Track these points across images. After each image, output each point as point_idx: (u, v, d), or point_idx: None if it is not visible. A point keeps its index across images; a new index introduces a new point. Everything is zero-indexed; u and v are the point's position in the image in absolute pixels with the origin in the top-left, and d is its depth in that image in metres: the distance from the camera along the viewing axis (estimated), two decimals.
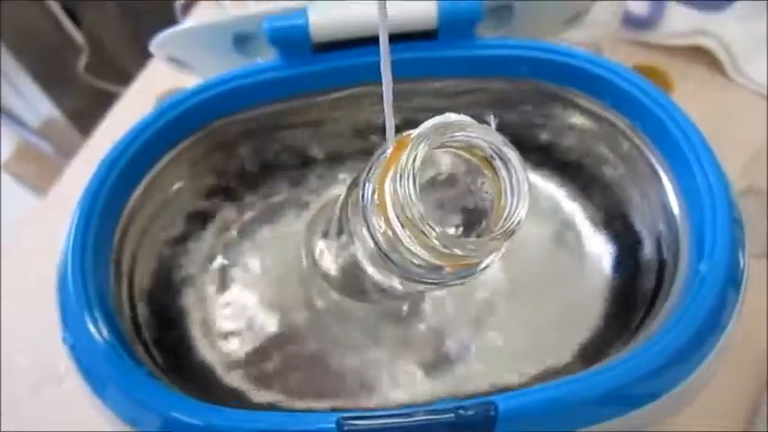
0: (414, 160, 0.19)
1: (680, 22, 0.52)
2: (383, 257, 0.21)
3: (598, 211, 0.32)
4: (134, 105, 0.55)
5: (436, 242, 0.19)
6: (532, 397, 0.23)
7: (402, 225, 0.20)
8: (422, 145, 0.19)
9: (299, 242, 0.32)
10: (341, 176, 0.34)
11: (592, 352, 0.29)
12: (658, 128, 0.28)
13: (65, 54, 0.92)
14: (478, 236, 0.22)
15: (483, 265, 0.21)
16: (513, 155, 0.20)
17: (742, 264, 0.26)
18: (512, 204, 0.20)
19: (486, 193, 0.22)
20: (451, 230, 0.23)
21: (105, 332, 0.25)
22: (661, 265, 0.29)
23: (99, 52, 0.93)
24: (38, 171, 1.14)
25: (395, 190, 0.19)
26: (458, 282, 0.22)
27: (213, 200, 0.33)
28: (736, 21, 0.51)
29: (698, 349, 0.24)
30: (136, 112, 0.51)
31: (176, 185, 0.31)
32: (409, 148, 0.19)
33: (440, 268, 0.21)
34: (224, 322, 0.31)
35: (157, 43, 0.34)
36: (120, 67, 0.97)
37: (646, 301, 0.28)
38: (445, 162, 0.23)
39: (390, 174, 0.20)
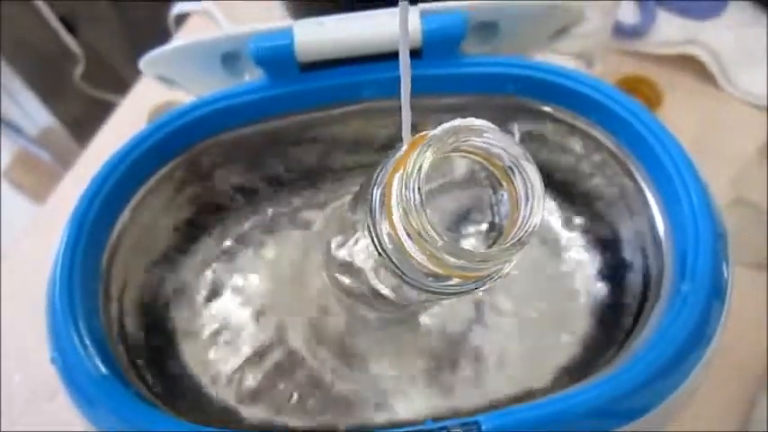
0: (419, 166, 0.19)
1: (670, 32, 0.52)
2: (389, 263, 0.21)
3: (586, 226, 0.32)
4: (129, 116, 0.56)
5: (442, 252, 0.19)
6: (516, 416, 0.23)
7: (407, 233, 0.19)
8: (430, 149, 0.19)
9: (287, 257, 0.32)
10: (330, 194, 0.34)
11: (579, 368, 0.29)
12: (641, 144, 0.29)
13: (61, 63, 0.92)
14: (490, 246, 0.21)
15: (499, 274, 0.21)
16: (532, 170, 0.20)
17: (726, 276, 0.26)
18: (525, 214, 0.20)
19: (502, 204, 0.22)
20: (471, 239, 0.23)
21: (93, 353, 0.25)
22: (646, 280, 0.29)
23: (95, 62, 0.93)
24: (36, 179, 1.14)
25: (401, 194, 0.19)
26: (467, 292, 0.21)
27: (201, 218, 0.33)
28: (726, 30, 0.52)
29: (683, 364, 0.25)
30: (131, 123, 0.52)
31: (164, 204, 0.31)
32: (417, 151, 0.19)
33: (447, 277, 0.20)
34: (215, 339, 0.31)
35: (146, 62, 0.34)
36: (116, 75, 0.97)
37: (631, 317, 0.29)
38: (465, 166, 0.22)
39: (398, 174, 0.19)
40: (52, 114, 0.98)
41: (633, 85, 0.50)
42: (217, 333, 0.31)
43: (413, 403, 0.29)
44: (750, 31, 0.52)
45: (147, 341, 0.30)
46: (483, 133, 0.20)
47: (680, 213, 0.27)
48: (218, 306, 0.32)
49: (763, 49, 0.51)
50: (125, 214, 0.30)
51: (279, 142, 0.32)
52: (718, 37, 0.51)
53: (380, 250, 0.21)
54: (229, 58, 0.32)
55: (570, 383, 0.26)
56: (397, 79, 0.30)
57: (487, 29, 0.32)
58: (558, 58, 0.49)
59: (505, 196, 0.21)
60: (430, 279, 0.20)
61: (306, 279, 0.32)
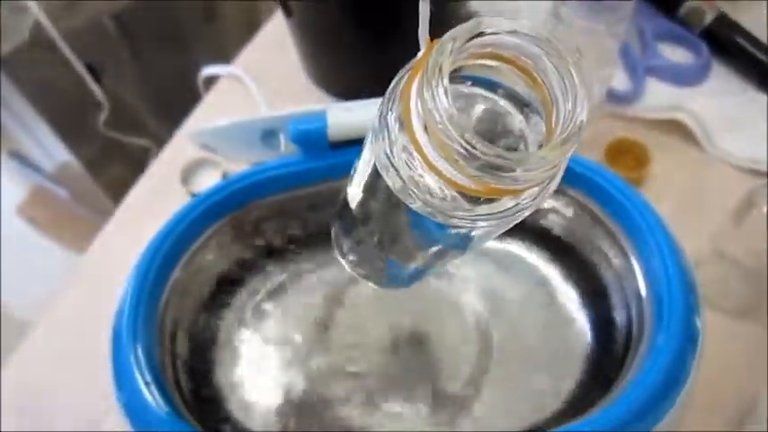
0: (440, 66, 0.16)
1: (658, 98, 0.57)
2: (413, 195, 0.19)
3: (581, 285, 0.37)
4: (163, 172, 0.58)
5: (481, 150, 0.16)
6: None
7: (434, 145, 0.17)
8: (450, 48, 0.17)
9: (314, 307, 0.37)
10: None
11: (571, 408, 0.33)
12: (624, 214, 0.33)
13: (85, 108, 0.96)
14: None
15: (524, 196, 0.19)
16: (568, 65, 0.18)
17: (698, 325, 0.30)
18: (567, 110, 0.18)
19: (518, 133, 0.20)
20: None
21: (156, 392, 0.29)
22: (629, 331, 0.33)
23: (118, 108, 0.97)
24: (51, 214, 1.18)
25: (422, 97, 0.16)
26: (498, 220, 0.19)
27: (242, 271, 0.37)
28: (708, 97, 0.56)
29: (661, 402, 0.29)
30: (164, 179, 0.55)
31: (211, 259, 0.36)
32: (436, 51, 0.16)
33: (477, 200, 0.18)
34: (252, 381, 0.35)
35: (192, 135, 0.39)
36: (139, 122, 1.02)
37: (618, 362, 0.33)
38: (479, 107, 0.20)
39: (417, 79, 0.17)
40: (71, 154, 1.01)
41: (625, 147, 0.54)
42: (254, 375, 0.35)
43: None
44: (730, 99, 0.56)
45: (193, 382, 0.34)
46: (511, 31, 0.18)
47: (656, 275, 0.31)
48: (252, 351, 0.36)
49: (742, 114, 0.56)
50: (177, 268, 0.34)
51: (311, 206, 0.37)
52: (701, 104, 0.56)
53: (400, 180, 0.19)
54: (267, 134, 0.37)
55: (566, 421, 0.30)
56: None
57: None
58: None
59: (532, 118, 0.19)
60: (456, 205, 0.19)
61: (332, 326, 0.37)
